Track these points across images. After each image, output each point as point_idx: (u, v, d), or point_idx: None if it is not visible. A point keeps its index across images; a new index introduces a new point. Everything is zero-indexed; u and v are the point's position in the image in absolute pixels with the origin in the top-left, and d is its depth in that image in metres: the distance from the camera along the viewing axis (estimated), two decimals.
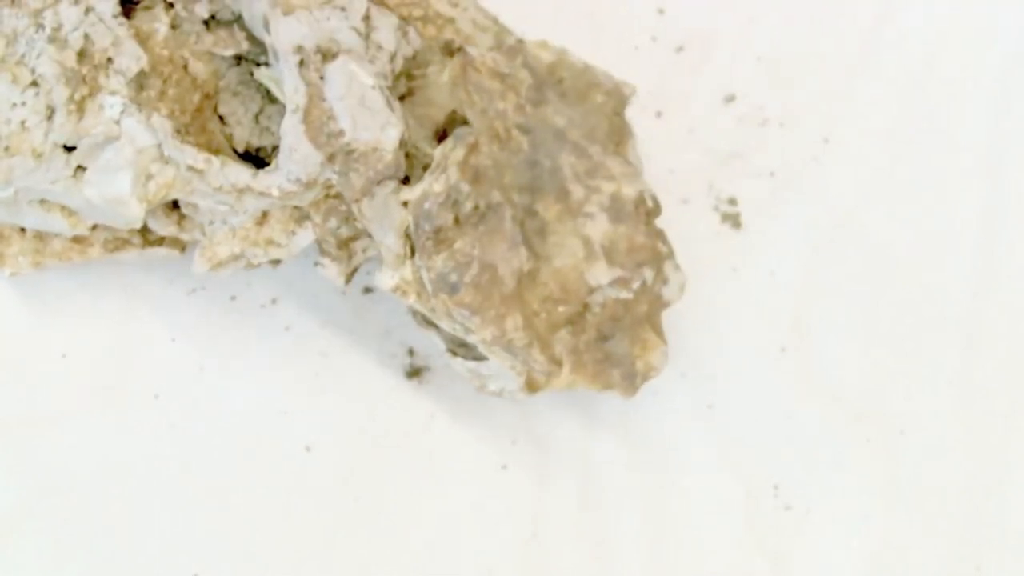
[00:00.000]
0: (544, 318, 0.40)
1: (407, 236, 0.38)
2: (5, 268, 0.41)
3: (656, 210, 0.42)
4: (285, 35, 0.37)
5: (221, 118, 0.40)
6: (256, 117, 0.40)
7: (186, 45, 0.39)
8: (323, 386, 0.43)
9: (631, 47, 0.47)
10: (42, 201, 0.39)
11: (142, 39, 0.38)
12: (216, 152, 0.38)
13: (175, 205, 0.40)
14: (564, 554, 0.43)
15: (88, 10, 0.38)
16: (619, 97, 0.43)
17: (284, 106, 0.38)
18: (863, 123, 0.48)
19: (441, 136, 0.39)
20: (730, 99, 0.47)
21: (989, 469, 0.45)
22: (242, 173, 0.38)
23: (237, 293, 0.43)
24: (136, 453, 0.42)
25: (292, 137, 0.37)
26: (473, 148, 0.38)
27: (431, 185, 0.38)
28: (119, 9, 0.38)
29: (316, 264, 0.40)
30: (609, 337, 0.41)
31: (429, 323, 0.41)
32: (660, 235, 0.42)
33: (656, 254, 0.41)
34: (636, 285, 0.41)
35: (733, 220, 0.46)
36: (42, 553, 0.41)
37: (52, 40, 0.38)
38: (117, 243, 0.41)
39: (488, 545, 0.43)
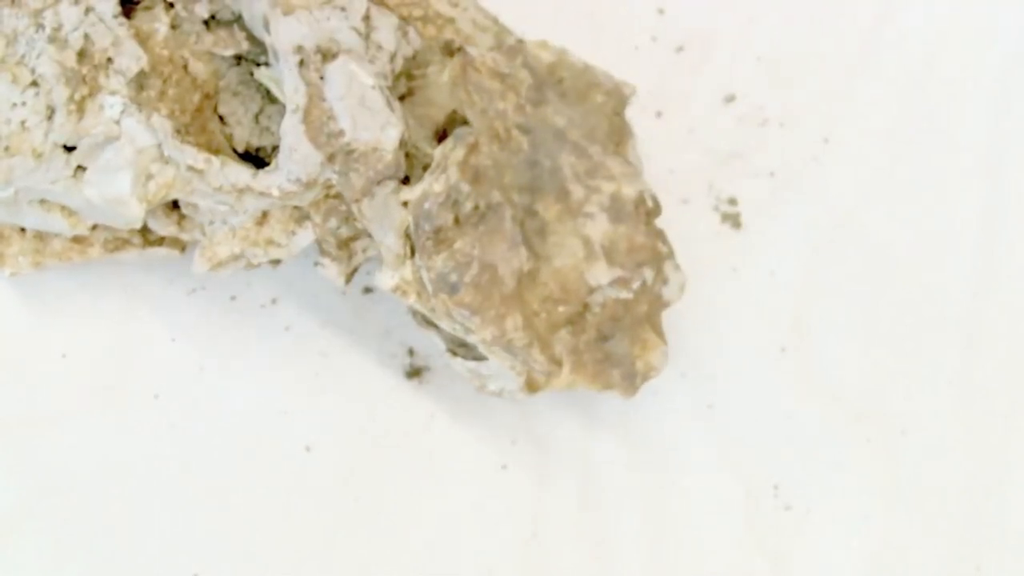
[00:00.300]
0: (544, 318, 0.40)
1: (407, 236, 0.38)
2: (5, 268, 0.41)
3: (656, 210, 0.42)
4: (285, 35, 0.37)
5: (221, 118, 0.40)
6: (256, 117, 0.40)
7: (186, 45, 0.39)
8: (323, 386, 0.43)
9: (631, 47, 0.47)
10: (42, 201, 0.39)
11: (142, 39, 0.38)
12: (216, 152, 0.38)
13: (175, 205, 0.40)
14: (564, 554, 0.43)
15: (88, 10, 0.38)
16: (619, 97, 0.43)
17: (284, 106, 0.38)
18: (863, 123, 0.48)
19: (441, 136, 0.39)
20: (730, 99, 0.47)
21: (989, 469, 0.45)
22: (242, 173, 0.38)
23: (237, 293, 0.43)
24: (136, 453, 0.42)
25: (292, 137, 0.37)
26: (473, 148, 0.38)
27: (431, 185, 0.38)
28: (119, 9, 0.38)
29: (316, 264, 0.40)
30: (609, 337, 0.41)
31: (429, 323, 0.41)
32: (660, 235, 0.42)
33: (656, 254, 0.41)
34: (636, 285, 0.41)
35: (733, 220, 0.46)
36: (42, 553, 0.41)
37: (52, 40, 0.38)
38: (117, 243, 0.41)
39: (488, 545, 0.43)
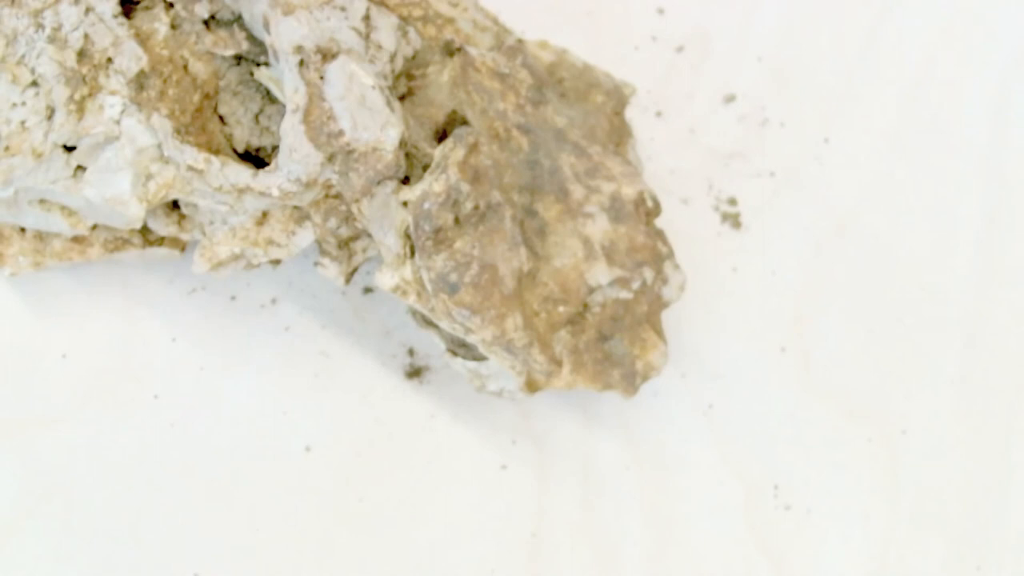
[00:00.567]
0: (544, 318, 0.40)
1: (407, 236, 0.38)
2: (5, 268, 0.41)
3: (656, 210, 0.42)
4: (285, 35, 0.37)
5: (221, 118, 0.40)
6: (256, 117, 0.40)
7: (186, 45, 0.39)
8: (323, 386, 0.43)
9: (631, 47, 0.47)
10: (42, 201, 0.39)
11: (142, 39, 0.38)
12: (216, 152, 0.38)
13: (175, 205, 0.40)
14: (564, 554, 0.43)
15: (88, 10, 0.38)
16: (619, 97, 0.43)
17: (284, 106, 0.38)
18: (863, 123, 0.48)
19: (441, 136, 0.39)
20: (730, 99, 0.47)
21: (989, 469, 0.45)
22: (242, 173, 0.38)
23: (237, 293, 0.43)
24: (136, 453, 0.42)
25: (292, 137, 0.37)
26: (473, 148, 0.38)
27: (431, 185, 0.38)
28: (119, 9, 0.38)
29: (316, 264, 0.40)
30: (609, 337, 0.41)
31: (429, 323, 0.41)
32: (660, 235, 0.42)
33: (656, 254, 0.41)
34: (636, 285, 0.41)
35: (733, 220, 0.46)
36: (42, 553, 0.41)
37: (52, 40, 0.38)
38: (117, 243, 0.41)
39: (488, 545, 0.43)
